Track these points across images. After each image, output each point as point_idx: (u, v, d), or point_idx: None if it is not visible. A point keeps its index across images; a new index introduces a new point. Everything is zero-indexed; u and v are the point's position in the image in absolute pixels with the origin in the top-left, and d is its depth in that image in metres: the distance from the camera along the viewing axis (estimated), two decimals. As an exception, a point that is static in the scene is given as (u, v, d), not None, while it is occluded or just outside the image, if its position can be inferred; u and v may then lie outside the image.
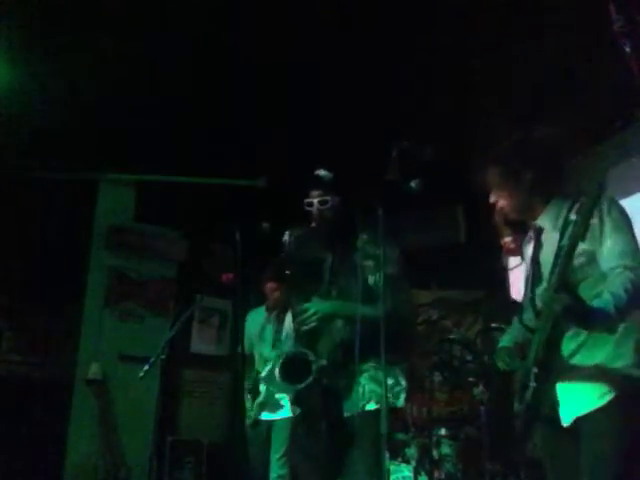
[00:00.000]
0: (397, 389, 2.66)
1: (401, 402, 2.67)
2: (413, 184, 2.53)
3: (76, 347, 5.66)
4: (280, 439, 4.07)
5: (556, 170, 2.30)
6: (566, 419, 2.11)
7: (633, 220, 2.16)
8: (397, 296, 2.60)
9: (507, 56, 4.28)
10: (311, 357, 2.68)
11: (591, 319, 1.96)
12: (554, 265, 2.08)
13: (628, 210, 2.18)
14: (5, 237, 5.34)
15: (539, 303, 2.18)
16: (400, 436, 4.43)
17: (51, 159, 5.36)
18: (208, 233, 6.03)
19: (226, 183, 5.82)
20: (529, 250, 2.34)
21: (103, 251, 5.99)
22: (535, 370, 2.05)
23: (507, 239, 3.55)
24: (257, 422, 4.20)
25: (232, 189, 5.82)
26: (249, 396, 4.30)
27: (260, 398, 4.20)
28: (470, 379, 4.57)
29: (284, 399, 4.11)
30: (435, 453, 4.32)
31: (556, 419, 2.13)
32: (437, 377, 4.73)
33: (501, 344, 2.41)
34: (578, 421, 2.09)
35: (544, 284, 2.18)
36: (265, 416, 4.20)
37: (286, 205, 2.94)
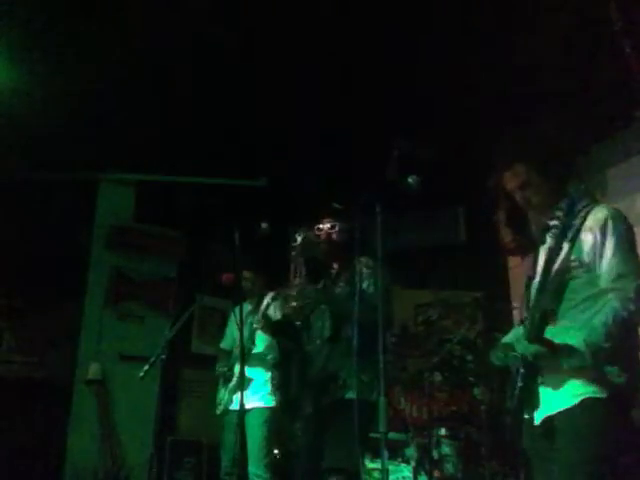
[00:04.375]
0: (373, 384, 2.86)
1: (375, 396, 2.77)
2: (411, 180, 2.55)
3: (76, 347, 5.66)
4: (255, 434, 3.99)
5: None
6: (537, 418, 2.12)
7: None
8: (389, 304, 3.11)
9: (507, 55, 4.28)
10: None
11: (562, 359, 2.00)
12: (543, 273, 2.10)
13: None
14: (5, 237, 5.33)
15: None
16: (388, 435, 4.42)
17: (51, 159, 5.36)
18: (208, 233, 6.03)
19: (226, 183, 5.83)
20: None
21: (103, 251, 5.99)
22: (522, 370, 2.08)
23: (507, 239, 3.55)
24: (227, 411, 4.12)
25: (232, 189, 5.82)
26: (224, 384, 4.25)
27: (232, 382, 4.14)
28: (470, 379, 4.57)
29: (255, 374, 4.11)
30: (435, 453, 4.32)
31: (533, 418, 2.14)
32: (437, 377, 4.73)
33: (502, 340, 2.42)
34: (550, 420, 2.09)
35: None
36: (236, 402, 3.98)
37: (286, 205, 2.95)
